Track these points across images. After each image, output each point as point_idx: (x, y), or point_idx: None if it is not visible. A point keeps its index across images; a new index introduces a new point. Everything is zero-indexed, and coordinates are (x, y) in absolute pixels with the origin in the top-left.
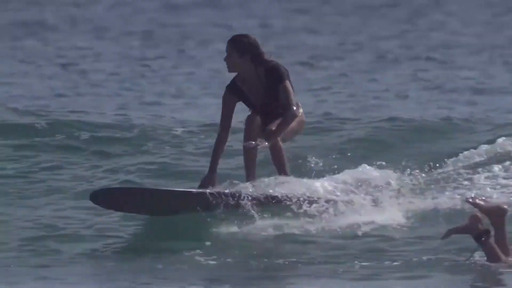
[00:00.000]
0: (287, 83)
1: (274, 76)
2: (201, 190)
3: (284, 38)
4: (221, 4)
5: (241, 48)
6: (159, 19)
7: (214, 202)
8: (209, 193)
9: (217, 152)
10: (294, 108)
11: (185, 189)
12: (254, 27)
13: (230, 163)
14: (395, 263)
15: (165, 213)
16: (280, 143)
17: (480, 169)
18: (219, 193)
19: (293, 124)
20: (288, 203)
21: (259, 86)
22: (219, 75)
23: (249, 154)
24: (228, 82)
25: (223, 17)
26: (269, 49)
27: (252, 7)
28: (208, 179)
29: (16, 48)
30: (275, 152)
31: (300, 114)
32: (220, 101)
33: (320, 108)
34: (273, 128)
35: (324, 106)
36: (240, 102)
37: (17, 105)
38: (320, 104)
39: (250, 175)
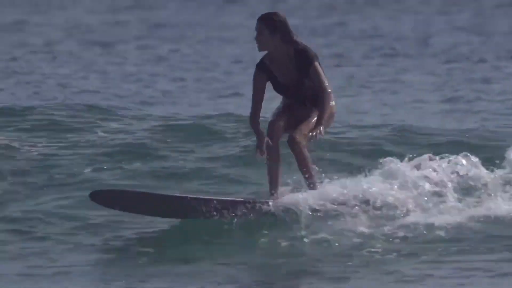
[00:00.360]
0: (317, 64)
1: (304, 58)
2: (196, 196)
3: (440, 37)
4: (378, 3)
5: (272, 26)
6: (314, 18)
7: (205, 209)
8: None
9: (254, 122)
10: (328, 89)
11: (180, 195)
12: (408, 27)
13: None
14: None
15: (160, 216)
16: (304, 148)
17: None
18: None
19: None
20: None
21: (289, 66)
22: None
23: (272, 163)
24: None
25: (379, 15)
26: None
27: (408, 4)
28: (260, 140)
29: (168, 52)
30: (300, 157)
31: (332, 105)
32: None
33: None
34: (297, 136)
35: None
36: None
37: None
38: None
39: (273, 185)
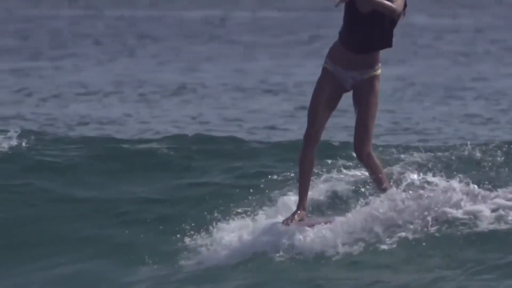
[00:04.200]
0: None
1: None
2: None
3: None
4: None
5: None
6: None
7: None
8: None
9: None
10: (397, 10)
11: None
12: None
13: None
14: None
15: None
16: (376, 159)
17: None
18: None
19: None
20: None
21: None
22: None
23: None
24: None
25: None
26: None
27: None
28: None
29: None
30: (371, 165)
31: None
32: None
33: None
34: (365, 148)
35: None
36: None
37: None
38: None
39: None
